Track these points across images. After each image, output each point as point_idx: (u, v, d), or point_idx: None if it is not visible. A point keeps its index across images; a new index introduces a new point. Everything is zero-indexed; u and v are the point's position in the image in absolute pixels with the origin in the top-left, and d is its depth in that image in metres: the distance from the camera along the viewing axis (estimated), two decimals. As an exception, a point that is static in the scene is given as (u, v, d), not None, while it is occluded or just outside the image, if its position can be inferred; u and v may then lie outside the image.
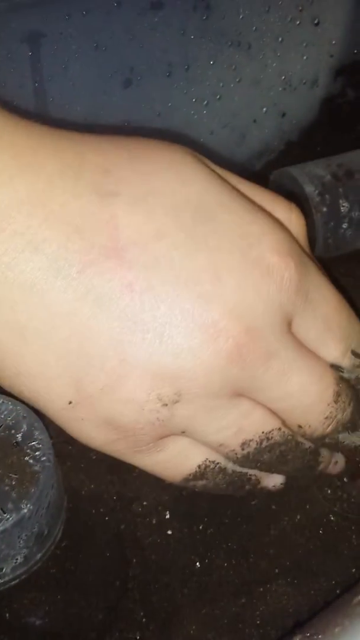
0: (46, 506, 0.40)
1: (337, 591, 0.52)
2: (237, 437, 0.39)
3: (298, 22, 0.62)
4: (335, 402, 0.38)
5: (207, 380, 0.34)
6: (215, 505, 0.54)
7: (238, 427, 0.38)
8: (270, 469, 0.44)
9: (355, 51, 0.69)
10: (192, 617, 0.48)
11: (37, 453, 0.40)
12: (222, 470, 0.42)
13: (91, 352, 0.33)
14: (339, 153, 0.69)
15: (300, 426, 0.40)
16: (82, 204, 0.31)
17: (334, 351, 0.39)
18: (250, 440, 0.39)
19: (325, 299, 0.38)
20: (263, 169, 0.72)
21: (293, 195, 0.64)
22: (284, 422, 0.40)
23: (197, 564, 0.52)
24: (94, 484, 0.55)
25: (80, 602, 0.45)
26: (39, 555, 0.41)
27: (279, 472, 0.46)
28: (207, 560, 0.52)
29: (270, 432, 0.40)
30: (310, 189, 0.62)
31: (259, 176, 0.69)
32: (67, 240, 0.31)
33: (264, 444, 0.40)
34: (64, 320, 0.32)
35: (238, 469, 0.43)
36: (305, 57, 0.66)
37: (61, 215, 0.31)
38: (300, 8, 0.61)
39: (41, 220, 0.30)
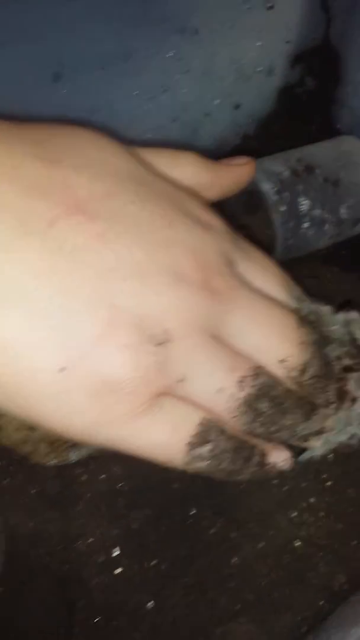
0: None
1: (305, 628, 0.48)
2: (232, 373, 0.38)
3: (249, 6, 0.58)
4: (302, 327, 0.40)
5: (190, 316, 0.36)
6: (169, 537, 0.51)
7: (231, 362, 0.38)
8: (270, 428, 0.41)
9: (314, 37, 0.65)
10: (144, 666, 0.44)
11: None
12: (224, 432, 0.40)
13: (77, 306, 0.34)
14: (299, 146, 0.65)
15: (282, 360, 0.39)
16: (33, 167, 0.34)
17: (285, 295, 0.42)
18: (245, 377, 0.38)
19: (252, 250, 0.42)
20: (220, 164, 0.67)
21: (251, 193, 0.60)
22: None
23: (150, 603, 0.48)
24: (34, 522, 0.50)
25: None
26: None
27: (282, 435, 0.43)
28: (160, 599, 0.49)
29: (258, 367, 0.39)
30: (267, 187, 0.58)
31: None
32: (29, 197, 0.32)
33: (257, 382, 0.39)
34: (43, 278, 0.33)
35: (237, 433, 0.41)
36: (259, 44, 0.62)
37: (17, 175, 0.33)
38: (250, -10, 0.57)
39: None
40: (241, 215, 0.68)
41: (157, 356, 0.36)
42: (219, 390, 0.38)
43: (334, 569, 0.50)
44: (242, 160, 0.49)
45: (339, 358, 0.46)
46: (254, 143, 0.68)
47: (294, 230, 0.59)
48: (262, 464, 0.43)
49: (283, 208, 0.58)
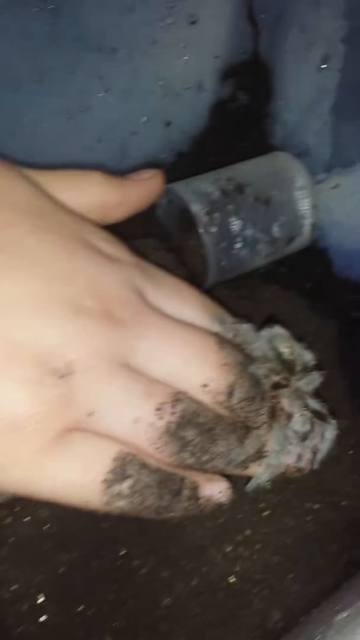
0: None
1: (237, 671, 0.46)
2: (148, 401, 0.37)
3: (170, 21, 0.56)
4: (223, 349, 0.40)
5: (93, 346, 0.36)
6: (97, 580, 0.48)
7: (145, 389, 0.37)
8: (202, 458, 0.40)
9: (242, 51, 0.63)
10: None
11: None
12: (144, 464, 0.38)
13: None
14: (235, 162, 0.64)
15: (204, 385, 0.39)
16: None
17: (204, 318, 0.42)
18: (164, 404, 0.38)
19: (165, 278, 0.42)
20: (154, 183, 0.65)
21: (183, 213, 0.58)
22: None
23: (76, 653, 0.46)
24: None
25: None
26: None
27: (217, 464, 0.41)
28: (87, 648, 0.46)
29: (177, 392, 0.39)
30: (197, 208, 0.56)
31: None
32: None
33: (178, 408, 0.38)
34: None
35: (162, 465, 0.39)
36: (185, 59, 0.60)
37: None
38: (171, 5, 0.55)
39: None
40: (175, 236, 0.66)
41: (60, 389, 0.35)
42: (135, 420, 0.37)
43: (268, 604, 0.48)
44: (148, 173, 0.47)
45: (267, 376, 0.44)
46: (189, 160, 0.66)
47: (226, 252, 0.58)
48: (195, 497, 0.41)
49: (214, 229, 0.57)
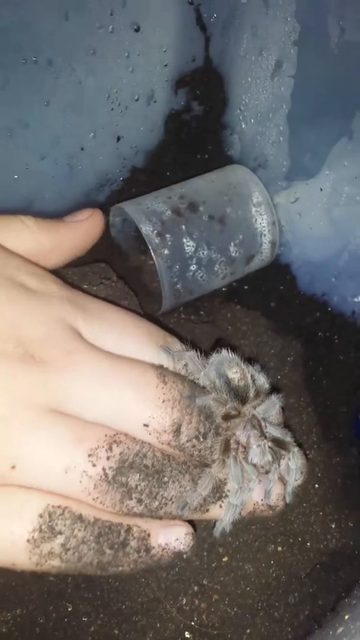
0: None
1: None
2: (78, 447, 0.34)
3: (111, 29, 0.52)
4: (164, 383, 0.37)
5: (11, 393, 0.33)
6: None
7: (75, 434, 0.34)
8: (151, 505, 0.36)
9: (193, 58, 0.59)
10: None
11: None
12: (78, 517, 0.35)
13: None
14: (192, 176, 0.60)
15: (145, 425, 0.36)
16: None
17: (147, 350, 0.40)
18: (97, 449, 0.35)
19: (103, 310, 0.40)
20: (109, 201, 0.61)
21: (139, 232, 0.54)
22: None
23: None
24: None
25: None
26: None
27: (170, 510, 0.37)
28: None
29: (115, 435, 0.36)
30: (147, 229, 0.52)
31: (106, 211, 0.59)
32: None
33: (115, 452, 0.35)
34: None
35: (103, 515, 0.36)
36: (130, 70, 0.56)
37: None
38: (110, 12, 0.50)
39: None
40: (133, 257, 0.62)
41: None
42: (65, 469, 0.34)
43: (226, 662, 0.44)
44: (84, 214, 0.44)
45: (218, 407, 0.40)
46: (144, 175, 0.62)
47: (180, 274, 0.54)
48: (145, 548, 0.37)
49: (166, 251, 0.53)
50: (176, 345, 0.42)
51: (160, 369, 0.39)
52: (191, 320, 0.58)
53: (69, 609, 0.45)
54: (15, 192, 0.54)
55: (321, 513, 0.50)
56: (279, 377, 0.58)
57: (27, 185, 0.55)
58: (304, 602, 0.43)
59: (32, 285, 0.38)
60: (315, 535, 0.49)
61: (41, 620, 0.45)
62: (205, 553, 0.48)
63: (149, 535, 0.37)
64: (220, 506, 0.39)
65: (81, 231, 0.43)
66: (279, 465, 0.41)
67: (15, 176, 0.53)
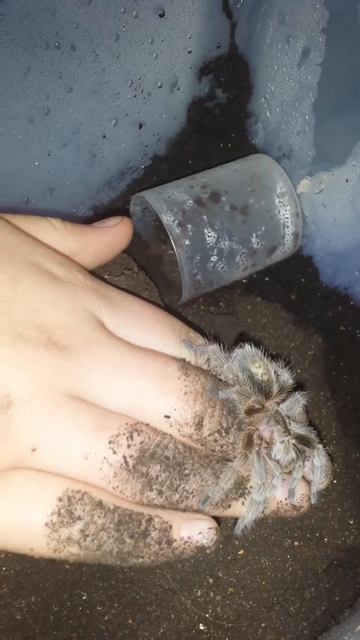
0: None
1: None
2: (99, 434, 0.34)
3: (135, 14, 0.51)
4: (186, 375, 0.37)
5: (34, 377, 0.34)
6: (57, 627, 0.45)
7: (96, 421, 0.35)
8: (172, 497, 0.36)
9: (218, 44, 0.58)
10: None
11: None
12: (98, 504, 0.35)
13: None
14: (215, 165, 0.59)
15: (166, 416, 0.36)
16: None
17: (169, 343, 0.39)
18: (118, 436, 0.35)
19: (126, 302, 0.40)
20: (130, 189, 0.61)
21: (160, 221, 0.53)
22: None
23: None
24: None
25: None
26: None
27: (191, 503, 0.37)
28: None
29: (136, 424, 0.36)
30: (168, 219, 0.52)
31: (127, 199, 0.58)
32: None
33: (136, 440, 0.35)
34: None
35: (124, 504, 0.36)
36: (154, 56, 0.55)
37: None
38: (135, -2, 0.50)
39: None
40: (153, 246, 0.61)
41: None
42: (85, 455, 0.34)
43: (240, 656, 0.44)
44: (113, 221, 0.44)
45: (241, 401, 0.40)
46: (166, 163, 0.61)
47: (201, 265, 0.53)
48: (167, 540, 0.37)
49: (187, 241, 0.52)
50: (198, 340, 0.42)
51: (182, 362, 0.39)
52: (211, 312, 0.58)
53: (84, 598, 0.46)
54: (37, 179, 0.54)
55: (339, 509, 0.50)
56: (298, 370, 0.57)
57: (49, 172, 0.55)
58: (320, 597, 0.43)
59: (58, 274, 0.38)
60: (333, 530, 0.48)
61: (55, 608, 0.45)
62: (221, 546, 0.48)
63: (170, 527, 0.37)
64: (243, 503, 0.39)
65: (108, 237, 0.44)
66: (304, 464, 0.40)
67: (37, 163, 0.53)
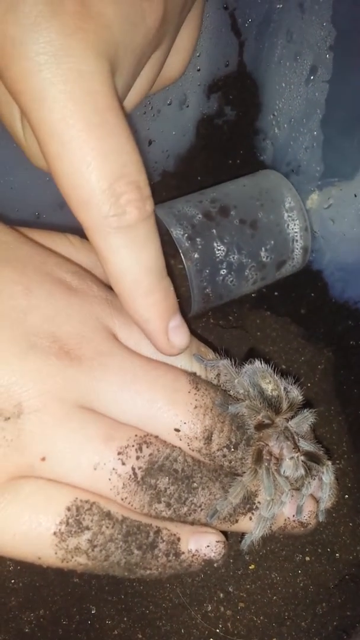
0: None
1: None
2: (108, 444, 0.35)
3: (146, 35, 0.53)
4: (197, 389, 0.38)
5: (45, 387, 0.34)
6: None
7: (106, 432, 0.35)
8: (180, 510, 0.37)
9: (227, 63, 0.59)
10: None
11: None
12: (107, 514, 0.35)
13: None
14: (223, 181, 0.60)
15: (176, 429, 0.37)
16: None
17: (181, 356, 0.40)
18: (127, 448, 0.35)
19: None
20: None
21: (168, 236, 0.54)
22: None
23: None
24: None
25: None
26: None
27: (199, 517, 0.37)
28: None
29: (145, 436, 0.36)
30: (177, 233, 0.53)
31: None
32: None
33: (145, 452, 0.35)
34: None
35: (132, 515, 0.36)
36: (164, 75, 0.56)
37: None
38: (146, 18, 0.51)
39: None
40: (164, 261, 0.62)
41: (6, 433, 0.33)
42: (94, 466, 0.35)
43: (251, 672, 0.44)
44: None
45: (251, 416, 0.40)
46: (174, 180, 0.62)
47: (210, 278, 0.54)
48: (175, 552, 0.37)
49: (196, 255, 0.53)
50: (209, 355, 0.42)
51: (192, 376, 0.39)
52: (220, 325, 0.58)
53: (93, 612, 0.46)
54: (46, 193, 0.55)
55: (351, 524, 0.50)
56: (308, 384, 0.57)
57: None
58: (332, 612, 0.43)
59: (72, 283, 0.39)
60: (344, 546, 0.48)
61: (64, 622, 0.45)
62: (231, 560, 0.48)
63: (178, 539, 0.37)
64: (251, 518, 0.39)
65: None
66: (312, 481, 0.41)
67: (47, 178, 0.54)
